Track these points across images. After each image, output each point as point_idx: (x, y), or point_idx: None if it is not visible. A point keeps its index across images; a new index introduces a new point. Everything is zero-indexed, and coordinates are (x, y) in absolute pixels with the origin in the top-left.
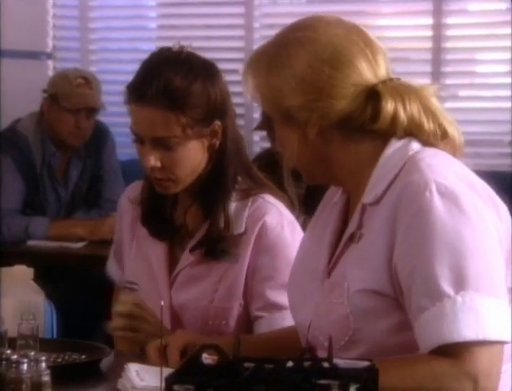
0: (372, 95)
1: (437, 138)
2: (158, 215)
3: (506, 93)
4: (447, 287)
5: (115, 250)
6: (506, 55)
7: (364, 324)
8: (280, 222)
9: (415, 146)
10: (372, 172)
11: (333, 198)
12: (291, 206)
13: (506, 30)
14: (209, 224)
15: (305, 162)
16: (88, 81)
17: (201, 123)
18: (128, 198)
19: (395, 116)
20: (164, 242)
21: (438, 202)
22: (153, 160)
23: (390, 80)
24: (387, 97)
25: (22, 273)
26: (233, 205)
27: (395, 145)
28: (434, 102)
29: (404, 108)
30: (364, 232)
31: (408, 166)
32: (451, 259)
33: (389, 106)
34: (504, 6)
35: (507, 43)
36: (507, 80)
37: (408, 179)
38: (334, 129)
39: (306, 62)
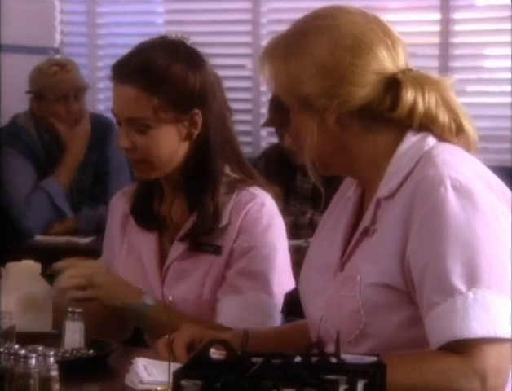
0: (392, 84)
1: (451, 132)
2: (146, 205)
3: (508, 88)
4: (459, 283)
5: (106, 257)
6: (508, 51)
7: (375, 318)
8: (258, 210)
9: (431, 141)
10: (388, 166)
11: (347, 193)
12: (279, 200)
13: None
14: (198, 215)
15: (322, 151)
16: (63, 66)
17: (176, 108)
18: (123, 193)
19: (413, 106)
20: (152, 232)
21: (452, 198)
22: (126, 142)
23: (409, 70)
24: (408, 86)
25: (30, 268)
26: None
27: (410, 139)
28: (452, 95)
29: (423, 99)
30: (378, 226)
31: (424, 161)
32: (464, 255)
33: (409, 95)
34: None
35: (509, 38)
36: (508, 75)
37: (423, 174)
38: (353, 118)
39: (326, 49)
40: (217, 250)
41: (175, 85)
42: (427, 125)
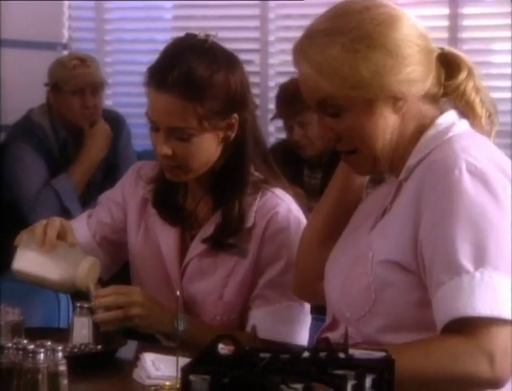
0: (446, 61)
1: (482, 121)
2: (170, 199)
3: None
4: (466, 262)
5: (100, 216)
6: (509, 46)
7: (385, 296)
8: (286, 217)
9: (458, 128)
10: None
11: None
12: (301, 200)
13: None
14: (224, 216)
15: (380, 141)
16: (83, 61)
17: (219, 116)
18: (139, 174)
19: (464, 86)
20: (174, 227)
21: (467, 180)
22: (166, 149)
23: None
24: (464, 67)
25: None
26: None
27: (438, 126)
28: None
29: (473, 84)
30: (393, 205)
31: (442, 145)
32: (473, 236)
33: (461, 75)
34: None
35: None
36: (509, 71)
37: (439, 156)
38: (414, 103)
39: (397, 39)
40: (241, 252)
41: (219, 93)
42: (465, 112)
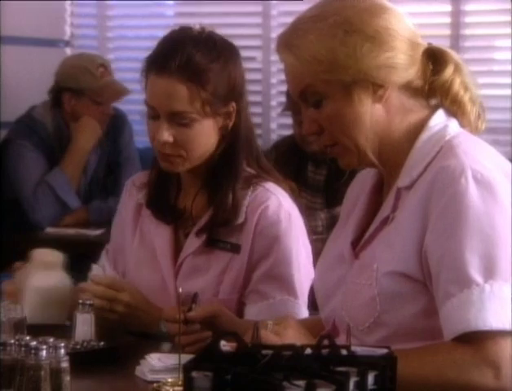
0: (433, 56)
1: (472, 119)
2: (163, 198)
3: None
4: (476, 274)
5: (114, 245)
6: (509, 43)
7: (390, 307)
8: (276, 212)
9: (451, 130)
10: (409, 153)
11: (363, 186)
12: (294, 195)
13: None
14: (217, 207)
15: (362, 131)
16: (105, 67)
17: (219, 102)
18: (133, 182)
19: (450, 84)
20: (168, 226)
21: (473, 189)
22: (167, 135)
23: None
24: (450, 61)
25: (52, 257)
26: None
27: (432, 129)
28: (472, 78)
29: (460, 79)
30: (396, 215)
31: (445, 151)
32: (482, 247)
33: (448, 70)
34: None
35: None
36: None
37: (444, 164)
38: (396, 93)
39: (373, 23)
40: (235, 248)
41: (219, 79)
42: (453, 110)
